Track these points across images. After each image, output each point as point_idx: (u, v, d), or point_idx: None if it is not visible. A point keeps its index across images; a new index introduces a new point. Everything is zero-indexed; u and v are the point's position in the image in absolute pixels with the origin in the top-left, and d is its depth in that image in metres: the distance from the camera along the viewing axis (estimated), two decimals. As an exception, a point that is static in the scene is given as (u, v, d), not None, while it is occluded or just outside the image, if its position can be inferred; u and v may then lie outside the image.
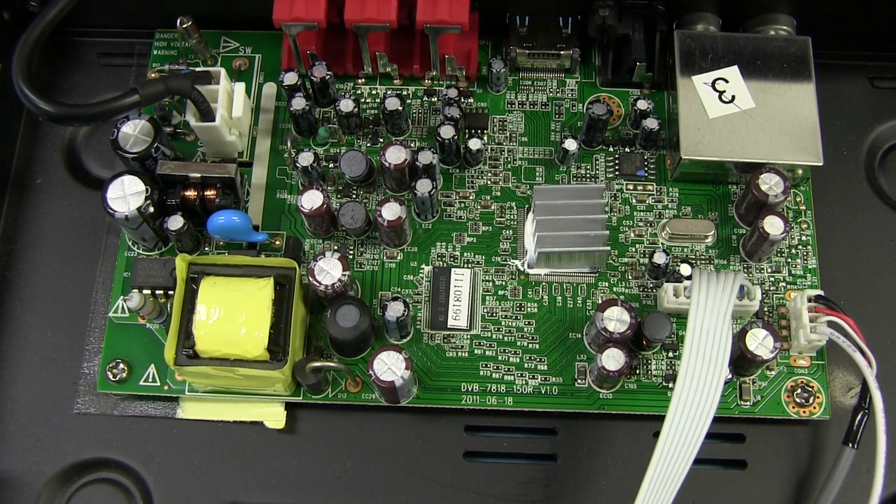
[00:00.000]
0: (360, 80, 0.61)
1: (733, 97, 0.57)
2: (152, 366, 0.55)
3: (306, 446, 0.55)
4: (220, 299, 0.51)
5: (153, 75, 0.61)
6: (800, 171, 0.57)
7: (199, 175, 0.55)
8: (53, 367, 0.56)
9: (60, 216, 0.60)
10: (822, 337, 0.53)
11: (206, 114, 0.55)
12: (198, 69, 0.57)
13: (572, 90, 0.61)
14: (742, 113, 0.57)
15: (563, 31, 0.60)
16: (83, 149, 0.62)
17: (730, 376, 0.53)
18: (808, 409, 0.54)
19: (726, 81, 0.58)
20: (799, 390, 0.54)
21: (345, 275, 0.52)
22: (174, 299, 0.51)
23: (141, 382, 0.55)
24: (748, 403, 0.54)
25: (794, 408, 0.54)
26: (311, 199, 0.55)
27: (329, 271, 0.52)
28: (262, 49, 0.62)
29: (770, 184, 0.55)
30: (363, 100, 0.61)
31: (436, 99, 0.61)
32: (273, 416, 0.55)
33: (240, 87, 0.57)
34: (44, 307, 0.58)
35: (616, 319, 0.52)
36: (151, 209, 0.54)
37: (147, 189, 0.53)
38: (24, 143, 0.62)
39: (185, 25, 0.59)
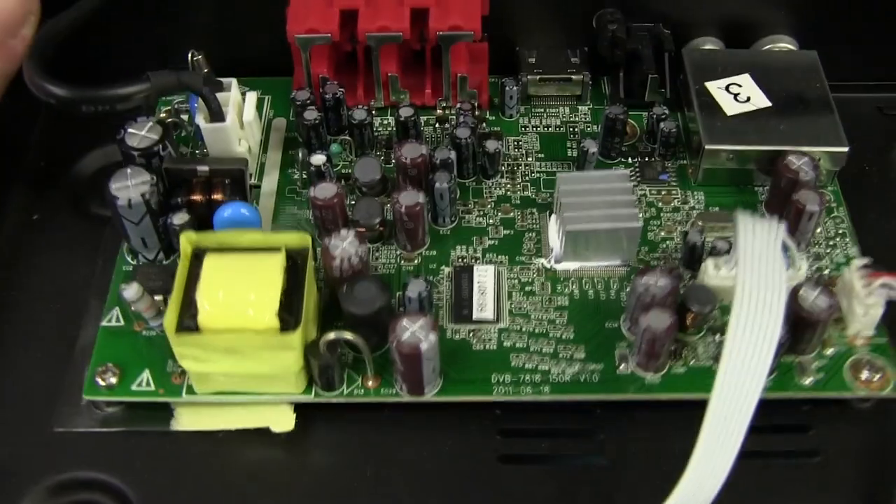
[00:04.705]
0: (372, 112, 0.60)
1: (748, 98, 0.57)
2: (147, 371, 0.50)
3: (318, 453, 0.49)
4: (228, 269, 0.47)
5: (162, 114, 0.60)
6: (824, 167, 0.55)
7: (206, 169, 0.52)
8: (37, 380, 0.51)
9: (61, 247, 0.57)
10: (878, 299, 0.49)
11: (217, 114, 0.54)
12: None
13: (585, 114, 0.61)
14: (759, 109, 0.56)
15: (573, 61, 0.61)
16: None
17: (785, 338, 0.48)
18: (877, 384, 0.49)
19: (739, 86, 0.58)
20: (863, 367, 0.49)
21: (362, 249, 0.49)
22: (177, 270, 0.47)
23: (133, 387, 0.49)
24: (809, 381, 0.49)
25: (861, 384, 0.49)
26: (325, 190, 0.52)
27: (344, 246, 0.49)
28: (272, 91, 0.62)
29: (798, 163, 0.53)
30: (375, 129, 0.60)
31: (448, 125, 0.60)
32: (280, 418, 0.49)
33: (251, 96, 0.56)
34: (34, 329, 0.53)
35: (656, 284, 0.48)
36: (156, 199, 0.51)
37: (153, 178, 0.51)
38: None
39: (196, 58, 0.59)
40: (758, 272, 0.43)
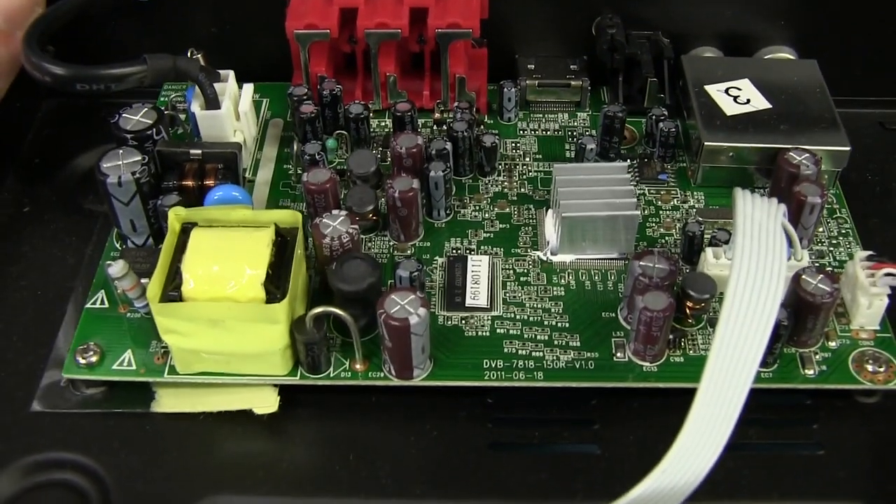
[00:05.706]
0: (368, 107, 0.59)
1: (748, 100, 0.57)
2: (129, 351, 0.48)
3: (301, 438, 0.47)
4: (215, 241, 0.46)
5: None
6: (826, 168, 0.55)
7: (199, 152, 0.52)
8: (17, 363, 0.50)
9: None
10: (883, 289, 0.47)
11: (212, 101, 0.54)
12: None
13: (584, 120, 0.61)
14: (760, 111, 0.56)
15: (572, 68, 0.61)
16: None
17: (787, 323, 0.46)
18: (883, 377, 0.47)
19: (739, 89, 0.57)
20: (868, 359, 0.47)
21: (353, 228, 0.48)
22: (164, 243, 0.46)
23: (114, 367, 0.48)
24: (812, 373, 0.47)
25: (866, 376, 0.47)
26: (318, 175, 0.51)
27: (335, 226, 0.48)
28: (270, 94, 0.62)
29: (800, 158, 0.52)
30: (372, 129, 0.59)
31: (445, 127, 0.59)
32: (263, 399, 0.47)
33: (248, 87, 0.56)
34: (17, 313, 0.52)
35: (653, 266, 0.47)
36: (148, 180, 0.50)
37: (145, 158, 0.50)
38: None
39: (195, 56, 0.59)
40: (757, 239, 0.41)
